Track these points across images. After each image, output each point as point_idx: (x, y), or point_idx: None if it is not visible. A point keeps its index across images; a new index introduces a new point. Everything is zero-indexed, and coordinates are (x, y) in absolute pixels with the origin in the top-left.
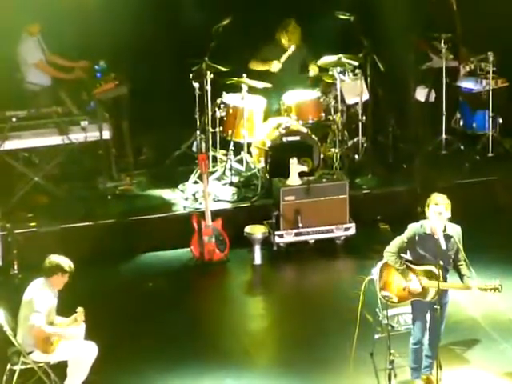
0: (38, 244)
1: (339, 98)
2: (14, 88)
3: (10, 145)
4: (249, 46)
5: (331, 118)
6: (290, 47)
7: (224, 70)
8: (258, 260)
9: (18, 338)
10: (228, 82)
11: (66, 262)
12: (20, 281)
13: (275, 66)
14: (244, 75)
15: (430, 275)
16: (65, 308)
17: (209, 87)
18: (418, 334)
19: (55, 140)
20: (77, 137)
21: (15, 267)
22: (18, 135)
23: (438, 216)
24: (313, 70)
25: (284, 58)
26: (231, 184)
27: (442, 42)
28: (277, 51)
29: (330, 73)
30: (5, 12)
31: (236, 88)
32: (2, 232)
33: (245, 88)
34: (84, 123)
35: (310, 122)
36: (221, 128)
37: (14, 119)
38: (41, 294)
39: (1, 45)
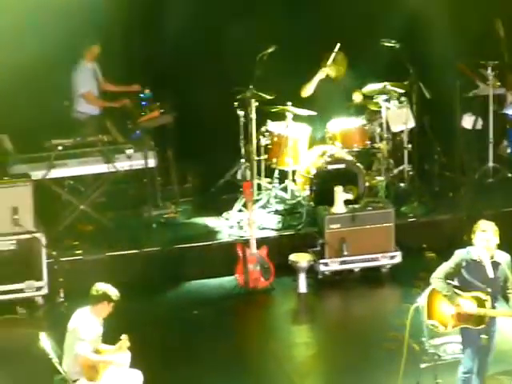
0: (84, 272)
1: (384, 125)
2: (61, 116)
3: (57, 173)
4: (293, 74)
5: (376, 146)
6: (336, 77)
7: (269, 98)
8: (302, 288)
9: (64, 366)
10: (273, 110)
11: (113, 291)
12: (66, 309)
13: (305, 93)
14: (289, 103)
15: (478, 302)
16: (110, 335)
17: (254, 115)
18: (468, 363)
19: (101, 168)
20: (122, 165)
21: (61, 295)
22: (64, 163)
23: (486, 243)
24: (357, 97)
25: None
26: (276, 212)
27: (489, 69)
28: (322, 80)
29: (376, 100)
30: (57, 40)
31: (281, 116)
32: (49, 260)
33: (289, 116)
34: (129, 151)
35: (355, 149)
36: (265, 156)
37: (60, 148)
38: (86, 323)
39: (51, 72)
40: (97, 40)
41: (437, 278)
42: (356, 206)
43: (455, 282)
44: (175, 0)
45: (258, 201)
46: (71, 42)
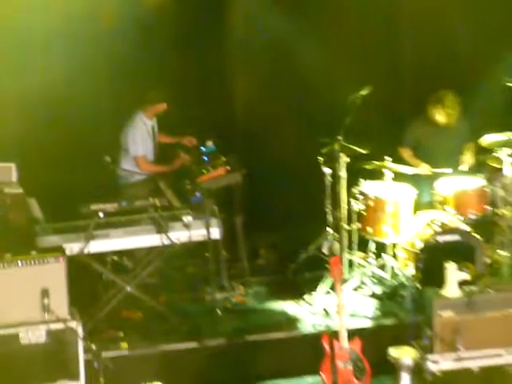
0: (131, 370)
1: (509, 186)
2: (101, 175)
3: (97, 246)
4: (393, 122)
5: (499, 213)
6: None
7: (362, 151)
8: None
9: None
10: (367, 167)
11: None
12: None
13: (424, 170)
14: (387, 158)
15: None
16: None
17: (343, 173)
18: None
19: (152, 240)
20: (179, 236)
21: None
22: (105, 234)
23: None
24: (468, 159)
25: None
26: (372, 295)
27: None
28: (428, 129)
29: (497, 155)
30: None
31: (378, 174)
32: (87, 355)
33: (388, 174)
34: (187, 219)
35: (472, 217)
36: (358, 224)
37: (100, 214)
38: None
39: (89, 123)
40: (165, 98)
41: None
42: (473, 288)
43: None
44: (255, 39)
45: (348, 281)
46: (113, 88)
